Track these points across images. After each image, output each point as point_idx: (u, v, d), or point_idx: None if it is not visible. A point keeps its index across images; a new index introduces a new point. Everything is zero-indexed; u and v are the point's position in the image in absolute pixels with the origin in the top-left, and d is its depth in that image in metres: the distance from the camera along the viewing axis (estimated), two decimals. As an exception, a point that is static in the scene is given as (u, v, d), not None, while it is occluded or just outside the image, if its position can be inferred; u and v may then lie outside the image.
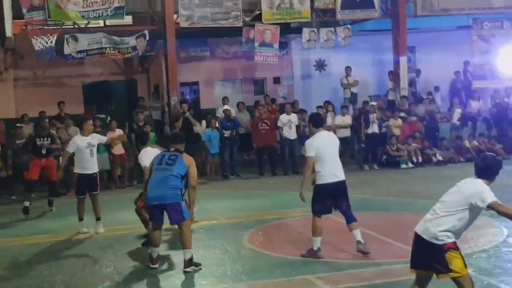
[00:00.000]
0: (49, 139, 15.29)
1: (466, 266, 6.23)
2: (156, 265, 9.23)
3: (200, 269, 9.04)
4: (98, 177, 12.39)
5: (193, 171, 9.14)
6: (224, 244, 10.55)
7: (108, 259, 9.71)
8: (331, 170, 9.28)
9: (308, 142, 9.47)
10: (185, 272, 8.95)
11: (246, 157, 21.02)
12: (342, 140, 19.38)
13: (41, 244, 11.49)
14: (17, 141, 17.33)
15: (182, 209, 9.00)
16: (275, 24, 20.76)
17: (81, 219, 12.09)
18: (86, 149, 11.94)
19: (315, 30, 21.77)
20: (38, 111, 18.99)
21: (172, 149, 9.30)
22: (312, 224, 9.40)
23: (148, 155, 10.12)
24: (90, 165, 12.03)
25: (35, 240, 11.83)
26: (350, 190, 9.49)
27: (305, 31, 21.57)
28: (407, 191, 15.13)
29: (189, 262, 9.02)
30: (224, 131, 18.90)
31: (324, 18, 21.65)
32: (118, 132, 17.68)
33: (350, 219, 9.43)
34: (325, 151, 9.26)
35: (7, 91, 22.07)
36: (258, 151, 19.58)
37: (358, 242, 9.34)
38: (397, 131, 19.96)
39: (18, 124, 18.29)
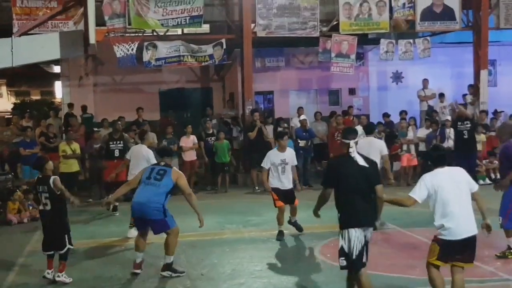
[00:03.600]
0: (121, 142, 16.08)
1: None
2: (139, 271, 9.50)
3: (179, 276, 9.28)
4: None
5: (183, 183, 9.47)
6: (295, 255, 10.49)
7: (180, 265, 9.76)
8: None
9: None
10: (161, 275, 9.32)
11: (319, 168, 20.86)
12: (422, 154, 19.21)
13: (115, 246, 11.72)
14: (94, 146, 17.69)
15: (165, 221, 9.29)
16: (352, 35, 20.63)
17: None
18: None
19: (393, 41, 21.55)
20: (117, 116, 19.37)
21: (162, 164, 9.63)
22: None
23: None
24: None
25: (110, 243, 12.05)
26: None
27: (383, 42, 21.38)
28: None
29: (167, 266, 9.40)
30: (299, 141, 18.82)
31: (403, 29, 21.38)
32: (193, 138, 18.30)
33: None
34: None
35: (87, 96, 22.67)
36: (333, 161, 19.37)
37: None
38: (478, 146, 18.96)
39: (96, 129, 18.59)
